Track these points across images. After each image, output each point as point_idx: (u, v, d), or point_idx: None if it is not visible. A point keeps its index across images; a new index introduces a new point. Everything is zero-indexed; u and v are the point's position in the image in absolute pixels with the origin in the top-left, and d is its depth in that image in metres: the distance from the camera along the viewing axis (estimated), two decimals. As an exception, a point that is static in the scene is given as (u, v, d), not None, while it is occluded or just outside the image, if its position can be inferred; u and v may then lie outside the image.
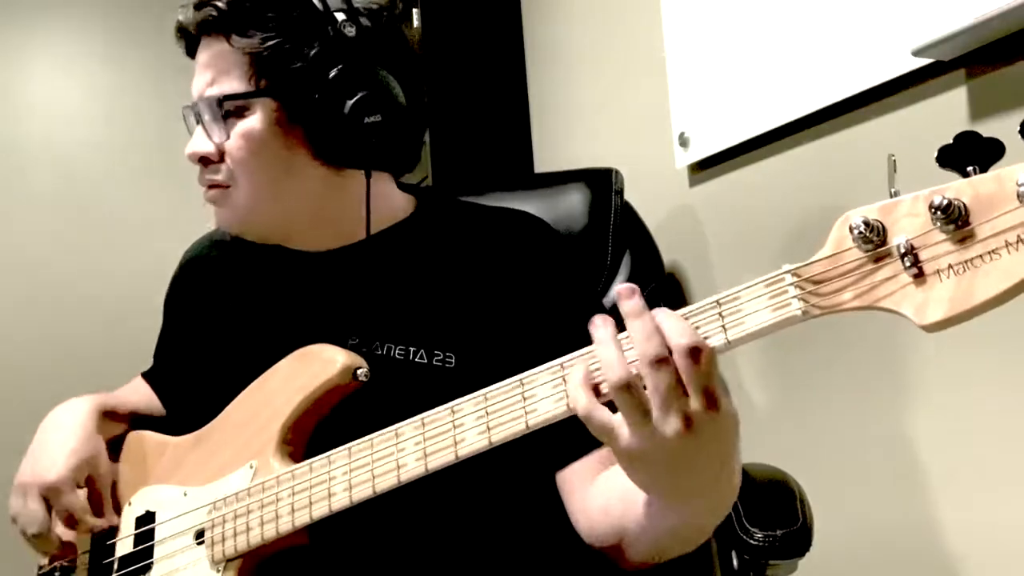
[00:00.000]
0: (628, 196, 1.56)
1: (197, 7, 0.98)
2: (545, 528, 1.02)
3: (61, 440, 1.04)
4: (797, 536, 1.14)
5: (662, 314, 0.69)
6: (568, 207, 1.51)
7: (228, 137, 0.98)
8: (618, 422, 0.70)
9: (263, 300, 1.08)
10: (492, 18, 2.30)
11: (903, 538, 1.26)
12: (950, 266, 0.61)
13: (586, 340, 0.73)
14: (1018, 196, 0.58)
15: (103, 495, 1.06)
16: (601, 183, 1.53)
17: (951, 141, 0.62)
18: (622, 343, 0.69)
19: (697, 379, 0.67)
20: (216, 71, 0.99)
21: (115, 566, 1.03)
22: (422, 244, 1.05)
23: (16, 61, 2.27)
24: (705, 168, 1.63)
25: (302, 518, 0.87)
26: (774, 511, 1.17)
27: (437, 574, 0.95)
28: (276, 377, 0.98)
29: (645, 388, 0.68)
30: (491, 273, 1.01)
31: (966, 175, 0.61)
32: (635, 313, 0.69)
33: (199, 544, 0.95)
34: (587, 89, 2.04)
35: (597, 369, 0.71)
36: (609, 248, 1.49)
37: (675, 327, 0.68)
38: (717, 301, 0.69)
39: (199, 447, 1.03)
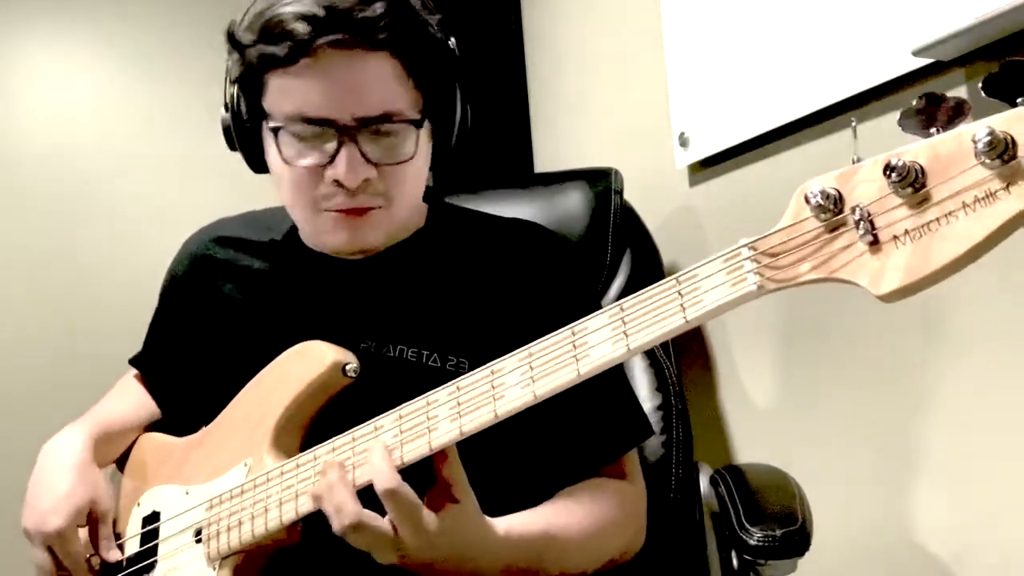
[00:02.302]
0: (628, 196, 1.56)
1: (360, 21, 0.89)
2: None
3: (57, 482, 1.03)
4: (796, 536, 1.14)
5: (373, 460, 0.80)
6: (568, 207, 1.52)
7: (401, 158, 0.95)
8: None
9: (274, 299, 1.08)
10: (492, 17, 2.30)
11: (902, 538, 1.26)
12: (906, 231, 0.58)
13: None
14: (975, 154, 0.54)
15: (107, 532, 1.05)
16: (601, 183, 1.54)
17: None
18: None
19: (403, 521, 0.79)
20: (382, 89, 0.92)
21: (122, 564, 1.04)
22: (437, 250, 1.06)
23: (16, 59, 2.27)
24: (705, 168, 1.64)
25: (288, 513, 0.87)
26: (773, 511, 1.17)
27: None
28: (270, 375, 0.98)
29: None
30: (503, 282, 1.02)
31: (928, 136, 0.58)
32: (325, 488, 0.82)
33: (198, 542, 0.96)
34: (587, 89, 2.05)
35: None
36: (609, 248, 1.49)
37: (378, 473, 0.79)
38: (676, 279, 0.68)
39: (201, 446, 1.03)
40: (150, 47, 2.34)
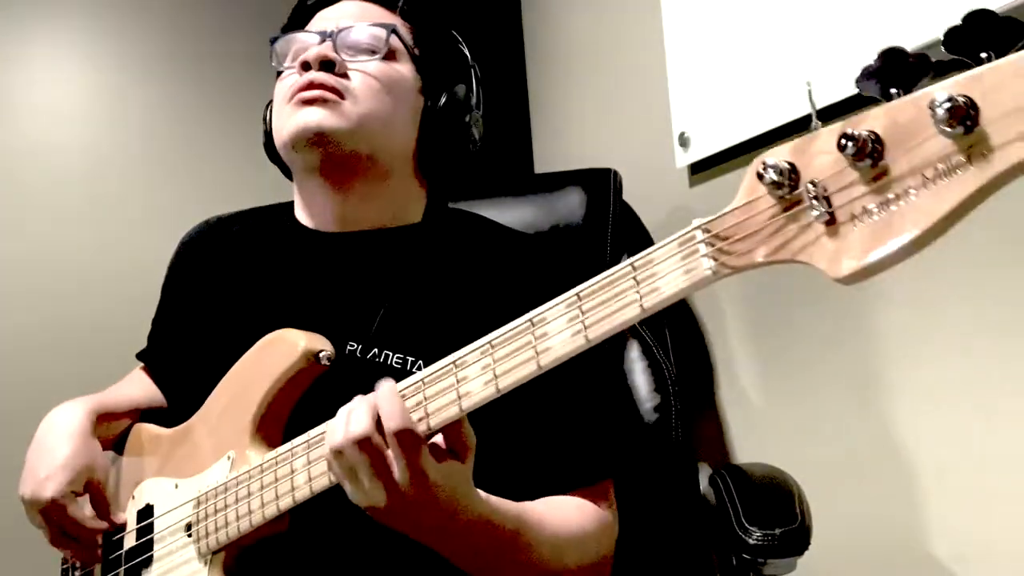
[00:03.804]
0: (628, 196, 1.56)
1: None
2: None
3: (55, 451, 1.03)
4: (795, 535, 1.14)
5: (382, 395, 0.77)
6: (566, 208, 1.52)
7: (368, 56, 1.04)
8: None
9: (265, 289, 1.08)
10: (492, 18, 2.30)
11: (901, 537, 1.26)
12: (864, 209, 0.52)
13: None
14: (935, 121, 0.49)
15: (106, 498, 1.06)
16: (599, 184, 1.53)
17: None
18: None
19: (404, 457, 0.76)
20: (368, 15, 1.07)
21: (122, 559, 1.04)
22: (431, 253, 1.06)
23: (16, 61, 2.27)
24: (705, 168, 1.63)
25: (271, 509, 0.88)
26: (772, 510, 1.17)
27: (417, 558, 0.95)
28: (246, 365, 0.98)
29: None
30: (495, 292, 1.01)
31: (888, 97, 0.52)
32: (356, 402, 0.78)
33: (189, 537, 0.96)
34: (587, 89, 2.05)
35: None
36: (608, 248, 1.49)
37: (389, 410, 0.76)
38: (632, 265, 0.65)
39: (187, 438, 1.04)
40: (148, 49, 2.34)
